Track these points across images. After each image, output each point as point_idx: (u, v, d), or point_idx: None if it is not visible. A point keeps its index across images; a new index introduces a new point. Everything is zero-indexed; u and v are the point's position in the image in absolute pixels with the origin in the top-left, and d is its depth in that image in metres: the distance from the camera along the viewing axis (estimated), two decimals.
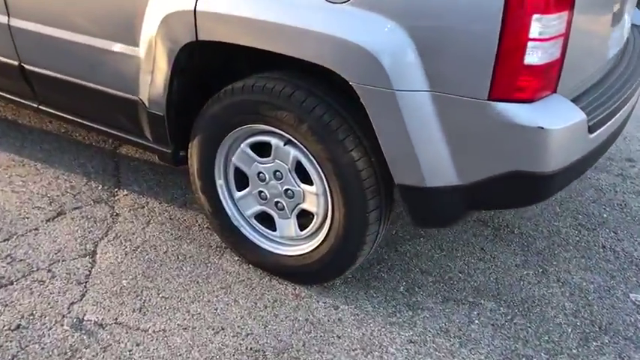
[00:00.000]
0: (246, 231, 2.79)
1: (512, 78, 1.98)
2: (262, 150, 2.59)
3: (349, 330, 2.52)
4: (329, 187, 2.42)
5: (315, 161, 2.41)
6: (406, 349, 2.44)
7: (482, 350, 2.45)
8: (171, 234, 3.08)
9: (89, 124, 3.07)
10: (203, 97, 2.71)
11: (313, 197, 2.52)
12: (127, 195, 3.39)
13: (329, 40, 2.13)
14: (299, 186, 2.53)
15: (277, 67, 2.49)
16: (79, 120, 3.13)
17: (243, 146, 2.61)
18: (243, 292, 2.71)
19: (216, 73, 2.70)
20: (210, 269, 2.84)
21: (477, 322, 2.62)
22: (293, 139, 2.43)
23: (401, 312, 2.64)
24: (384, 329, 2.53)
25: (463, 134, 2.09)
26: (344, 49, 2.11)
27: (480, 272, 2.90)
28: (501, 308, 2.70)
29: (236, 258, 2.90)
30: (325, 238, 2.54)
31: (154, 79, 2.63)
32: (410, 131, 2.11)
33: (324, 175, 2.41)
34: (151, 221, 3.17)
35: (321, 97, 2.35)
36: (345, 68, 2.14)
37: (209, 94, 2.67)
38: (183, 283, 2.75)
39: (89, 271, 2.80)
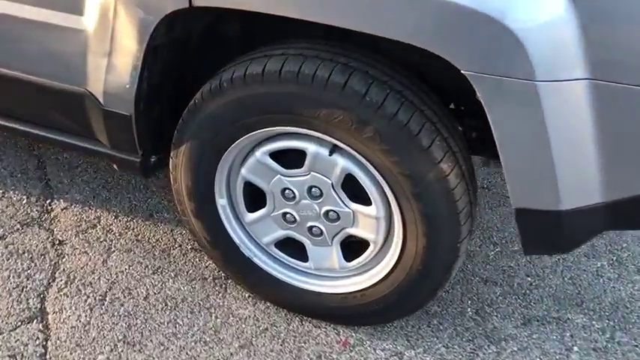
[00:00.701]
0: (263, 262, 2.03)
1: None
2: (285, 156, 1.80)
3: None
4: (400, 210, 1.71)
5: (379, 176, 1.68)
6: None
7: None
8: (146, 265, 2.25)
9: (15, 126, 2.09)
10: (186, 86, 1.85)
11: (369, 221, 1.79)
12: (66, 209, 2.48)
13: (436, 9, 1.35)
14: (348, 206, 1.79)
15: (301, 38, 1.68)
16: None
17: (260, 155, 1.81)
18: (270, 348, 1.99)
19: (207, 54, 1.84)
20: (216, 316, 2.08)
21: (575, 348, 2.07)
22: (343, 146, 1.67)
23: (482, 348, 2.04)
24: None
25: (625, 137, 1.43)
26: (460, 22, 1.35)
27: (549, 271, 2.34)
28: (594, 322, 2.16)
29: (245, 294, 2.15)
30: (390, 273, 1.84)
31: (112, 64, 1.73)
32: (552, 137, 1.41)
33: (395, 195, 1.69)
34: (112, 248, 2.31)
35: (391, 85, 1.59)
36: (458, 50, 1.38)
37: (194, 82, 1.82)
38: (185, 348, 1.98)
39: (43, 347, 1.95)
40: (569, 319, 2.17)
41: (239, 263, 2.05)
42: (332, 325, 2.06)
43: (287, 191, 1.84)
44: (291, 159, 1.80)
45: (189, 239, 2.34)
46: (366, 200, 1.77)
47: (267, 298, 2.10)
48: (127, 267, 2.24)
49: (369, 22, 1.46)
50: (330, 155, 1.71)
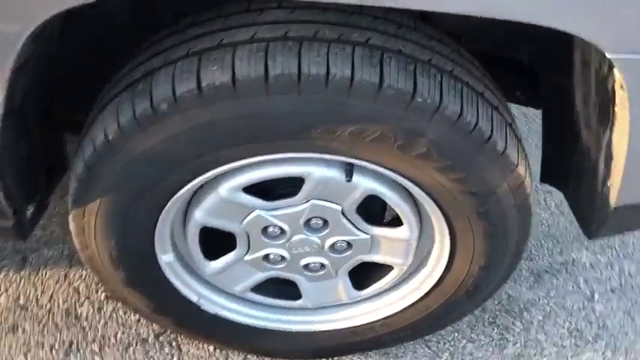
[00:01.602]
0: (235, 314, 1.45)
1: None
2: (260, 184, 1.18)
3: None
4: (451, 230, 1.21)
5: (425, 195, 1.14)
6: None
7: None
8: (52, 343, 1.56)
9: None
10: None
11: (396, 245, 1.28)
12: None
13: None
14: (366, 232, 1.25)
15: None
16: None
17: (227, 192, 1.16)
18: None
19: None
20: None
21: (596, 296, 1.82)
22: (369, 165, 1.09)
23: (509, 330, 1.70)
24: None
25: None
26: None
27: (539, 209, 2.01)
28: (599, 257, 1.92)
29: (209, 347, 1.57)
30: (422, 298, 1.38)
31: None
32: None
33: (444, 215, 1.18)
34: (46, 322, 1.56)
35: (438, 65, 1.01)
36: (605, 30, 0.84)
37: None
38: None
39: None
40: (574, 260, 1.92)
41: (201, 323, 1.45)
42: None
43: (271, 229, 1.25)
44: (270, 187, 1.19)
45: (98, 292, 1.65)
46: (388, 220, 1.25)
47: (250, 352, 1.55)
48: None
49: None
50: (348, 181, 1.12)
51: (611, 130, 1.06)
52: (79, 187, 1.12)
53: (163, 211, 1.17)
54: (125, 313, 1.62)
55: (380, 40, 1.00)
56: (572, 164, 1.32)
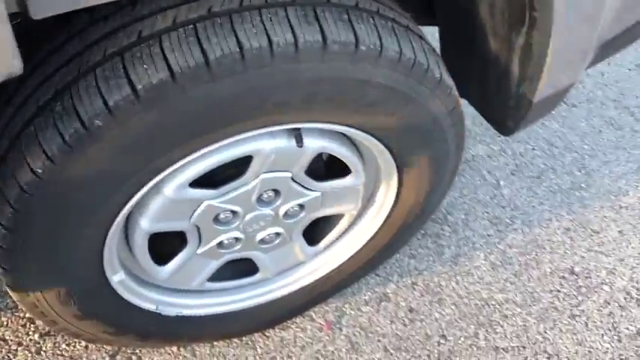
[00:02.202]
0: (197, 308, 1.38)
1: None
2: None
3: None
4: (398, 167, 1.22)
5: (375, 141, 1.13)
6: None
7: None
8: None
9: None
10: None
11: (345, 193, 1.28)
12: None
13: None
14: (316, 190, 1.23)
15: None
16: None
17: (173, 192, 1.06)
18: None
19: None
20: None
21: (502, 182, 1.99)
22: (318, 125, 1.05)
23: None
24: None
25: None
26: None
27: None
28: (493, 147, 2.08)
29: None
30: (374, 236, 1.40)
31: None
32: None
33: (392, 154, 1.18)
34: None
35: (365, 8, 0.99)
36: None
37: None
38: None
39: None
40: (473, 155, 2.06)
41: (165, 328, 1.36)
42: (298, 319, 1.59)
43: (222, 215, 1.18)
44: (212, 173, 1.11)
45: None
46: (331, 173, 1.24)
47: (219, 338, 1.50)
48: None
49: None
50: (300, 146, 1.08)
51: (529, 33, 1.11)
52: (9, 234, 0.97)
53: (110, 231, 1.06)
54: (69, 344, 1.48)
55: None
56: (474, 72, 1.38)
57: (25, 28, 0.88)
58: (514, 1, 1.10)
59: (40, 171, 0.89)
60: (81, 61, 0.89)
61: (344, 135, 1.16)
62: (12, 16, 0.72)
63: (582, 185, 2.02)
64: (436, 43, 1.35)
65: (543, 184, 2.00)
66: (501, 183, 2.00)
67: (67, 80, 0.88)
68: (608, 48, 1.41)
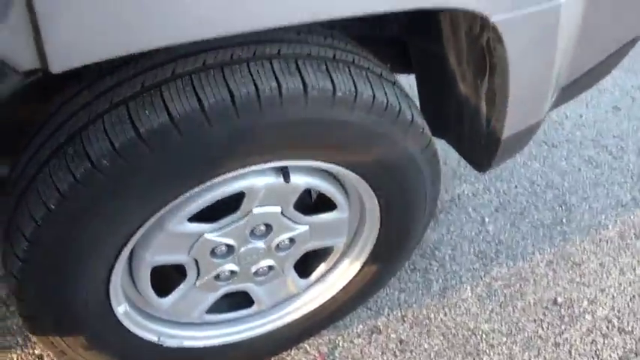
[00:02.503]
0: (196, 340, 1.46)
1: None
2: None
3: None
4: (379, 200, 1.33)
5: (357, 177, 1.25)
6: None
7: None
8: None
9: None
10: None
11: (332, 226, 1.38)
12: None
13: None
14: (304, 223, 1.34)
15: None
16: None
17: (174, 226, 1.17)
18: None
19: None
20: None
21: (487, 219, 2.09)
22: (302, 163, 1.17)
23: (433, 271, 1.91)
24: None
25: None
26: None
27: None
28: (476, 185, 2.20)
29: None
30: (364, 265, 1.50)
31: None
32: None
33: (373, 190, 1.30)
34: None
35: (344, 60, 1.12)
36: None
37: None
38: None
39: None
40: (459, 194, 2.17)
41: (167, 359, 1.45)
42: (293, 351, 1.67)
43: (218, 249, 1.28)
44: (208, 208, 1.22)
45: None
46: (317, 207, 1.35)
47: None
48: None
49: None
50: (287, 182, 1.20)
51: (491, 79, 1.24)
52: (25, 265, 1.07)
53: (117, 262, 1.16)
54: None
55: (288, 48, 1.07)
56: (450, 114, 1.51)
57: (44, 83, 1.01)
58: (476, 51, 1.23)
59: (52, 206, 1.01)
60: (90, 111, 1.01)
61: (328, 172, 1.28)
62: (33, 72, 0.85)
63: (563, 220, 2.12)
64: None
65: (526, 220, 2.11)
66: (486, 220, 2.10)
67: (78, 126, 1.00)
68: (571, 90, 1.55)
